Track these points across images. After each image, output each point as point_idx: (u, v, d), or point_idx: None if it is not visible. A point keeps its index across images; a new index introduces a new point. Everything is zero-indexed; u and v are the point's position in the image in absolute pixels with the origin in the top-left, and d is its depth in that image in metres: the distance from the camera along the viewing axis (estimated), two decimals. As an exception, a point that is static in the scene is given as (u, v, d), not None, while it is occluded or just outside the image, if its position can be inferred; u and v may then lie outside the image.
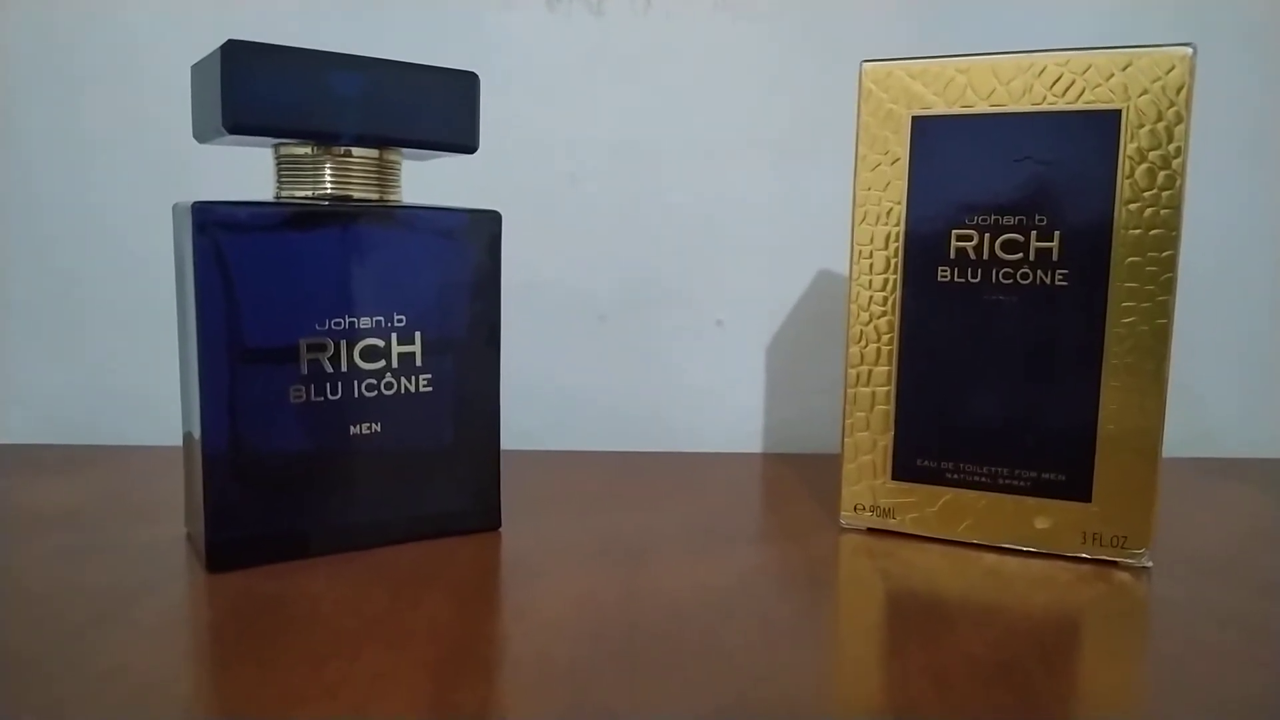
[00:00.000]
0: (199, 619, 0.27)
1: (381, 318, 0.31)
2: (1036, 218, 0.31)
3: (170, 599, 0.28)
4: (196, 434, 0.29)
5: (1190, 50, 0.30)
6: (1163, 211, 0.30)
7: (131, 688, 0.23)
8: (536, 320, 0.48)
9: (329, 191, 0.31)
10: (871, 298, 0.34)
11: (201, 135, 0.31)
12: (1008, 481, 0.33)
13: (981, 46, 0.32)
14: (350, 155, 0.31)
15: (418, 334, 0.32)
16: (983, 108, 0.32)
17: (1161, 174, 0.30)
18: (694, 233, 0.48)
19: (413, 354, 0.32)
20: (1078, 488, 0.32)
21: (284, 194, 0.31)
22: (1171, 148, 0.30)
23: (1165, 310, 0.30)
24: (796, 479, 0.43)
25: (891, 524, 0.35)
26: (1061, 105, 0.31)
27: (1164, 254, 0.30)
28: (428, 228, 0.32)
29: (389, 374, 0.32)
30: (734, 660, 0.25)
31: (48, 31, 0.47)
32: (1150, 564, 0.31)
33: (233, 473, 0.30)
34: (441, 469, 0.33)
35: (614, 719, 0.22)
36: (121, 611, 0.27)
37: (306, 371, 0.30)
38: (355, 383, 0.31)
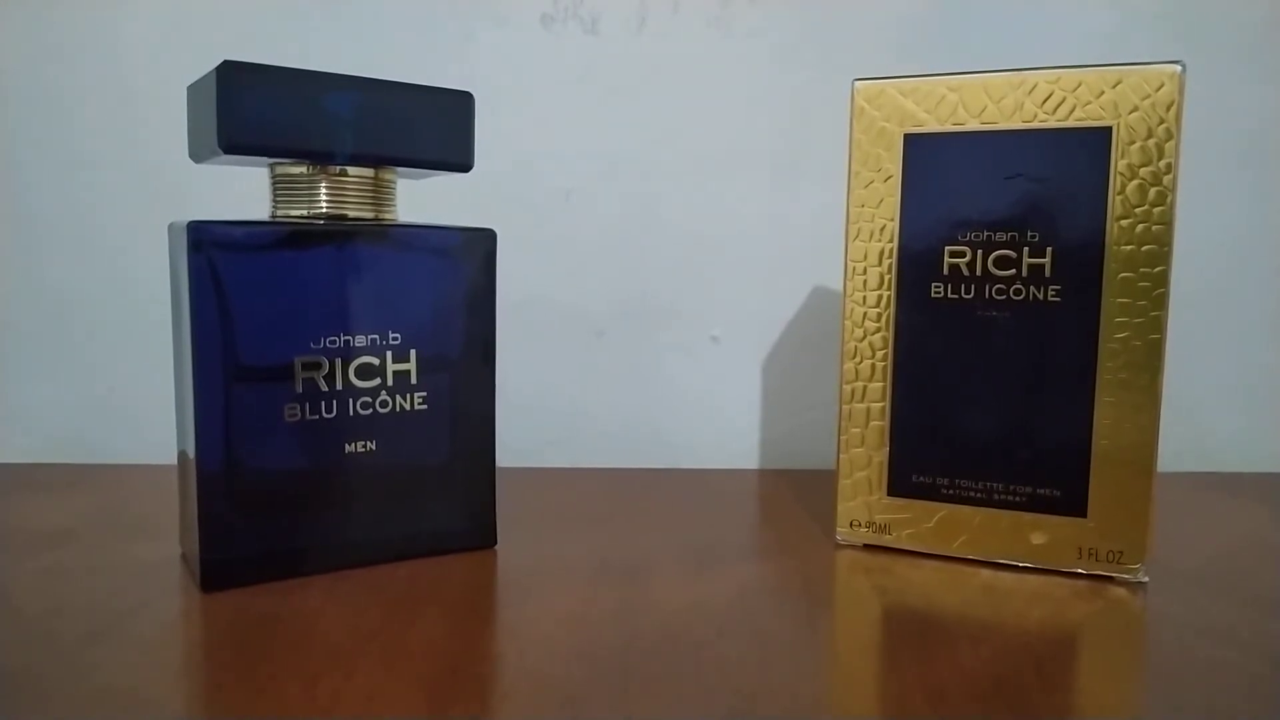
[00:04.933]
0: (193, 638, 0.27)
1: (376, 336, 0.31)
2: (1029, 234, 0.32)
3: (164, 618, 0.28)
4: (191, 452, 0.29)
5: (1179, 68, 0.30)
6: (1154, 227, 0.30)
7: (125, 706, 0.23)
8: (532, 337, 0.48)
9: (324, 210, 0.31)
10: (866, 314, 0.34)
11: (197, 155, 0.31)
12: (1003, 497, 0.33)
13: (972, 65, 0.33)
14: (345, 174, 0.31)
15: (413, 352, 0.32)
16: (974, 125, 0.32)
17: (1153, 190, 0.30)
18: (689, 249, 0.49)
19: (408, 372, 0.32)
20: (1073, 503, 0.32)
21: (279, 213, 0.31)
22: (1162, 164, 0.30)
23: (1158, 325, 0.31)
24: (792, 495, 0.43)
25: (887, 540, 0.35)
26: (1052, 123, 0.31)
27: (1156, 269, 0.30)
28: (423, 246, 0.32)
29: (384, 392, 0.32)
30: (730, 677, 0.25)
31: (42, 50, 0.47)
32: (1146, 579, 0.31)
33: (227, 491, 0.30)
34: (437, 487, 0.33)
35: (609, 737, 0.22)
36: (116, 630, 0.27)
37: (301, 390, 0.30)
38: (350, 401, 0.31)
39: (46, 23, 0.47)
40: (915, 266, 0.33)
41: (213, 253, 0.28)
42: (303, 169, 0.31)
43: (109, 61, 0.47)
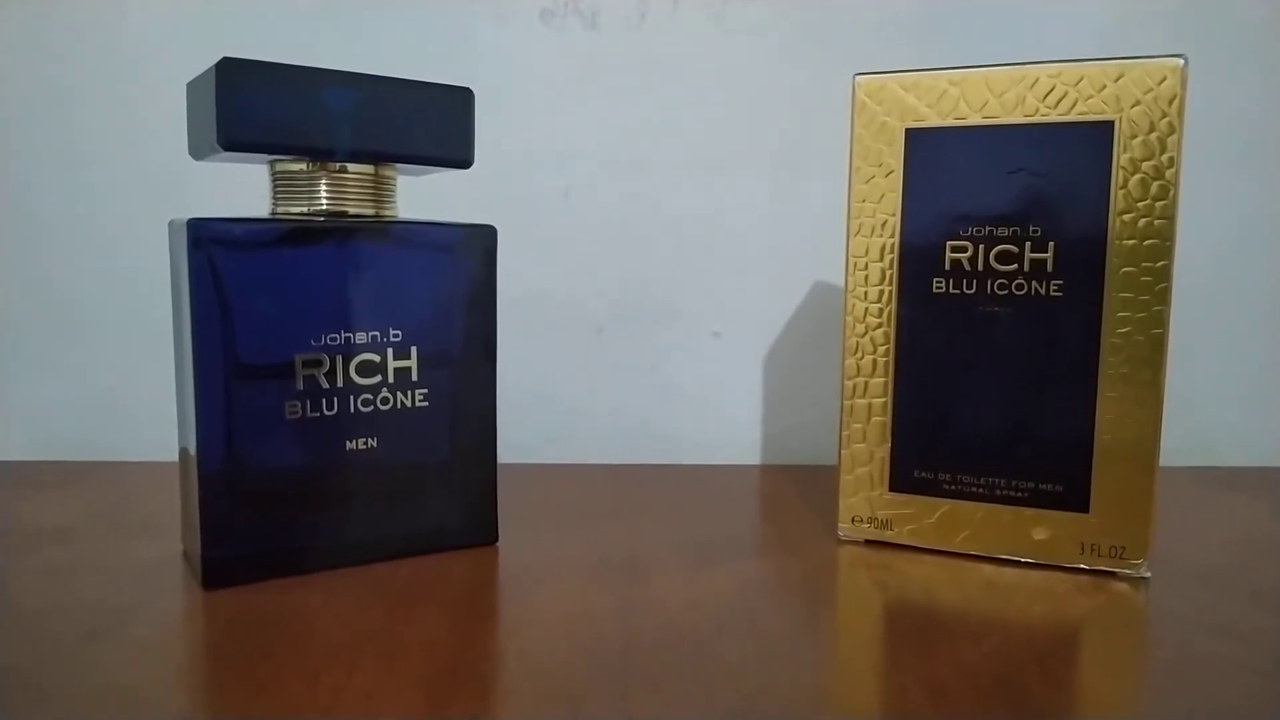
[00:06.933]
0: (194, 635, 0.27)
1: (377, 333, 0.31)
2: (1031, 229, 0.32)
3: (165, 615, 0.28)
4: (192, 450, 0.29)
5: (1182, 61, 0.30)
6: (1156, 222, 0.30)
7: (126, 704, 0.23)
8: (533, 334, 0.48)
9: (324, 207, 0.31)
10: (867, 309, 0.34)
11: (197, 152, 0.31)
12: (1005, 492, 0.33)
13: (974, 59, 0.33)
14: (345, 171, 0.31)
15: (413, 349, 0.32)
16: (976, 120, 0.32)
17: (1155, 184, 0.30)
18: (690, 245, 0.49)
19: (408, 369, 0.32)
20: (1075, 498, 0.32)
21: (279, 210, 0.31)
22: (1164, 158, 0.30)
23: (1160, 320, 0.30)
24: (794, 491, 0.43)
25: (889, 535, 0.35)
26: (1054, 117, 0.31)
27: (1158, 264, 0.30)
28: (423, 243, 0.32)
29: (385, 389, 0.32)
30: (731, 674, 0.25)
31: (42, 47, 0.47)
32: (1148, 574, 0.31)
33: (228, 489, 0.30)
34: (438, 484, 0.33)
35: (611, 734, 0.22)
36: (117, 628, 0.27)
37: (302, 387, 0.30)
38: (351, 398, 0.31)
39: (46, 23, 0.47)
40: (917, 262, 0.33)
41: (213, 250, 0.28)
42: (303, 166, 0.30)
43: (109, 60, 0.47)
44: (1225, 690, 0.24)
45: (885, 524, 0.35)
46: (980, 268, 0.32)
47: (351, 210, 0.31)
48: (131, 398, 0.48)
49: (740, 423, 0.50)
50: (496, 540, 0.35)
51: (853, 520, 0.35)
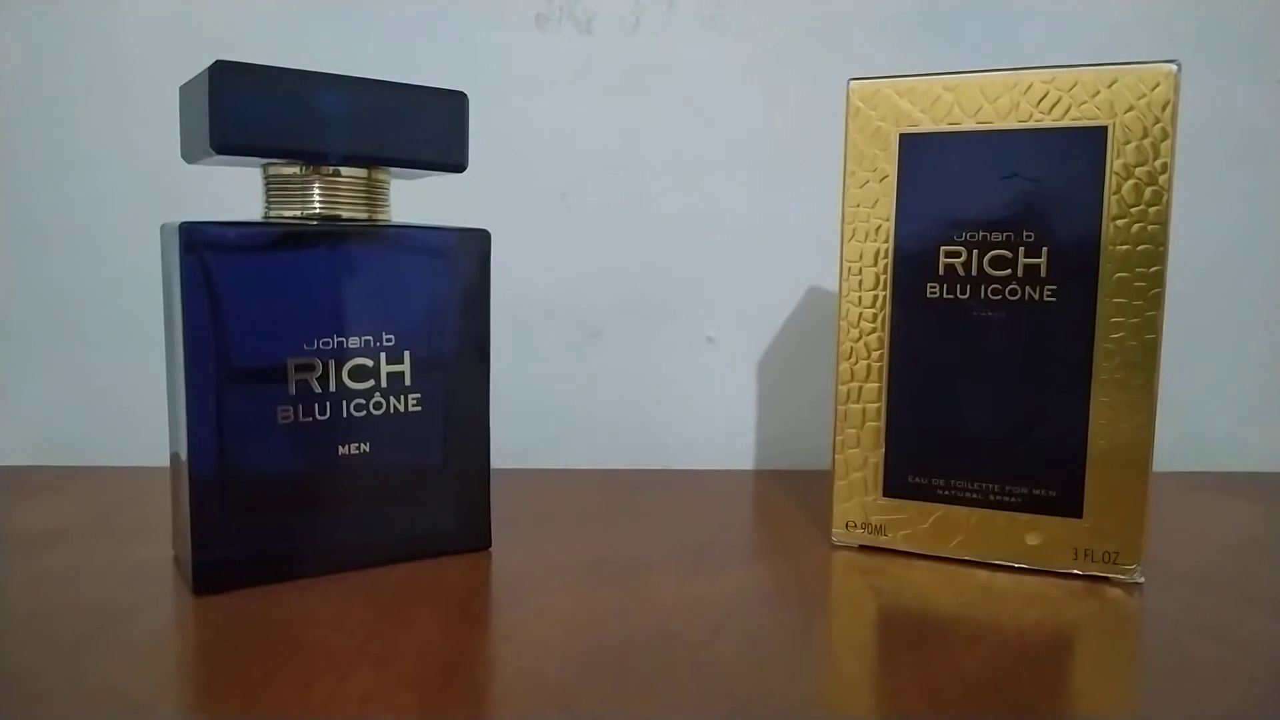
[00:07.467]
0: (186, 641, 0.27)
1: (370, 337, 0.31)
2: (1024, 234, 0.32)
3: (157, 621, 0.28)
4: (184, 454, 0.29)
5: (1175, 67, 0.30)
6: (1150, 227, 0.30)
7: (118, 708, 0.23)
8: (527, 338, 0.48)
9: (317, 211, 0.31)
10: (861, 314, 0.34)
11: (190, 155, 0.31)
12: (999, 498, 0.33)
13: (968, 64, 0.33)
14: (339, 175, 0.31)
15: (406, 353, 0.32)
16: (970, 125, 0.32)
17: (1148, 190, 0.30)
18: (684, 249, 0.49)
19: (401, 373, 0.32)
20: (1069, 503, 0.32)
21: (272, 214, 0.31)
22: (1158, 163, 0.30)
23: (1154, 325, 0.31)
24: (788, 495, 0.43)
25: (883, 541, 0.35)
26: (1048, 122, 0.31)
27: (1152, 269, 0.30)
28: (417, 246, 0.32)
29: (378, 393, 0.32)
30: (726, 678, 0.25)
31: (37, 50, 0.47)
32: (1142, 579, 0.31)
33: (220, 493, 0.29)
34: (431, 489, 0.33)
35: (604, 740, 0.22)
36: (108, 632, 0.27)
37: (295, 391, 0.30)
38: (344, 403, 0.31)
39: (46, 23, 0.46)
40: (911, 267, 0.33)
41: (205, 254, 0.28)
42: (296, 169, 0.30)
43: (107, 61, 0.47)
44: (1220, 695, 0.24)
45: (879, 529, 0.35)
46: (974, 273, 0.32)
47: (345, 214, 0.31)
48: (128, 401, 0.48)
49: (735, 427, 0.50)
50: (490, 545, 0.34)
51: (847, 525, 0.35)
